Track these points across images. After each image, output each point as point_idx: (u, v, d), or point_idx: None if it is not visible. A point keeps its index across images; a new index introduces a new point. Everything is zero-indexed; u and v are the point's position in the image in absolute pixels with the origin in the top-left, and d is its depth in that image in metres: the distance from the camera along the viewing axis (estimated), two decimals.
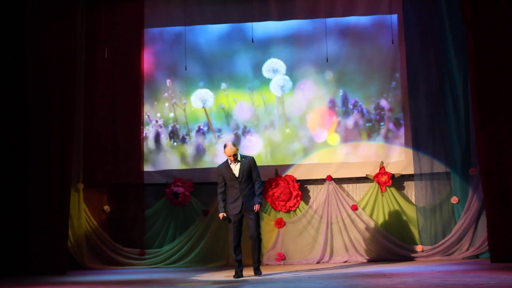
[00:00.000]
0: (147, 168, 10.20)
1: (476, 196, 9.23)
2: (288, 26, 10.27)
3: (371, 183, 9.81)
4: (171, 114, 10.31)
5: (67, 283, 7.46)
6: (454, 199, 9.48)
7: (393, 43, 9.83)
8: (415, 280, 6.33)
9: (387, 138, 9.94)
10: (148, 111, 10.34)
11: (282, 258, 9.66)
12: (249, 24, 10.11)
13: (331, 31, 10.09)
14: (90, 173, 9.88)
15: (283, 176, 9.90)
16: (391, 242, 9.48)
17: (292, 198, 9.81)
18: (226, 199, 7.65)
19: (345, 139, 10.00)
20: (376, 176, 9.72)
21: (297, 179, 9.88)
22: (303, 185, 9.95)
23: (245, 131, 10.15)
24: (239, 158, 7.60)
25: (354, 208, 9.70)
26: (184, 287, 6.61)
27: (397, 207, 9.64)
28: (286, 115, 10.14)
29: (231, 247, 7.89)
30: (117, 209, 9.99)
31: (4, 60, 9.23)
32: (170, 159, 10.26)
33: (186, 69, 10.11)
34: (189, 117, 10.30)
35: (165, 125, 10.31)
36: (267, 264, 9.48)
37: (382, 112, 9.99)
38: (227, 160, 7.65)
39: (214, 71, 10.29)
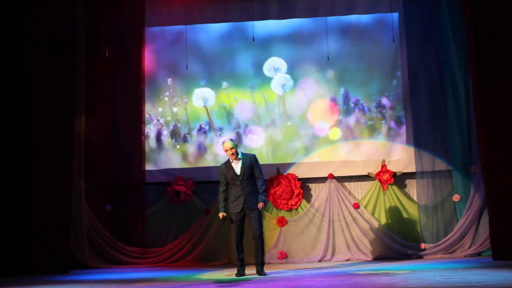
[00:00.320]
0: (148, 167, 10.20)
1: (478, 194, 9.22)
2: (289, 24, 10.27)
3: (373, 181, 9.81)
4: (173, 113, 10.31)
5: (68, 282, 7.46)
6: (456, 197, 9.47)
7: (394, 41, 9.84)
8: (417, 278, 6.32)
9: (388, 136, 9.94)
10: (150, 110, 10.35)
11: (284, 256, 9.66)
12: (250, 22, 10.12)
13: (332, 29, 10.09)
14: (92, 172, 9.87)
15: (285, 174, 9.91)
16: (393, 240, 9.47)
17: (294, 196, 9.81)
18: (227, 198, 7.61)
19: (347, 137, 10.00)
20: (378, 174, 9.72)
21: (298, 177, 9.89)
22: (304, 183, 9.96)
23: (247, 130, 10.15)
24: (240, 156, 7.58)
25: (356, 206, 9.70)
26: (186, 286, 6.60)
27: (399, 205, 9.64)
28: (287, 114, 10.14)
29: (233, 246, 7.87)
30: (118, 208, 9.99)
31: (4, 59, 9.22)
32: (172, 158, 10.26)
33: (187, 68, 10.12)
34: (190, 116, 10.31)
35: (167, 124, 10.32)
36: (269, 263, 9.47)
37: (384, 110, 10.00)
38: (229, 159, 7.63)
39: (215, 70, 10.30)
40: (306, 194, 9.94)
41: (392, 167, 9.75)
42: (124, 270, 9.15)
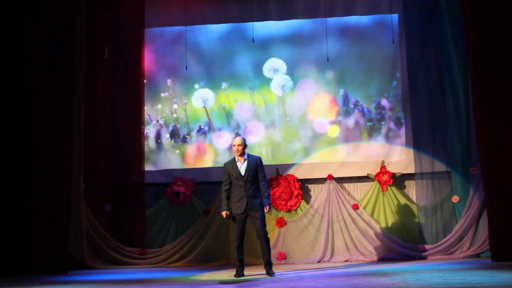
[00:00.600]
0: (148, 167, 10.20)
1: (477, 195, 9.22)
2: (288, 25, 10.27)
3: (372, 182, 9.81)
4: (172, 114, 10.32)
5: (68, 283, 7.46)
6: (455, 198, 9.47)
7: (393, 42, 9.84)
8: (416, 279, 6.33)
9: (388, 137, 9.95)
10: (149, 110, 10.35)
11: (283, 257, 9.66)
12: (249, 23, 10.12)
13: (332, 30, 10.09)
14: (91, 172, 9.86)
15: (284, 175, 9.91)
16: (392, 241, 9.47)
17: (293, 197, 9.81)
18: (230, 197, 7.60)
19: (346, 138, 10.00)
20: (377, 175, 9.73)
21: (298, 178, 9.89)
22: (304, 184, 9.96)
23: (246, 130, 10.15)
24: (246, 157, 7.59)
25: (355, 207, 9.70)
26: (185, 287, 6.60)
27: (398, 206, 9.64)
28: (286, 115, 10.14)
29: (233, 246, 7.87)
30: (118, 209, 9.98)
31: (4, 59, 9.22)
32: (171, 159, 10.27)
33: (186, 69, 10.12)
34: (189, 116, 10.31)
35: (166, 124, 10.32)
36: None
37: (383, 111, 10.00)
38: (234, 157, 7.64)
39: (215, 71, 10.30)
40: (305, 195, 9.94)
41: (391, 168, 9.75)
42: (123, 271, 9.15)
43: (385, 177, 9.67)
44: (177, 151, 10.26)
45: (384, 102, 10.01)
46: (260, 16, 10.23)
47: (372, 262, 9.16)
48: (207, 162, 10.21)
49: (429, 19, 9.87)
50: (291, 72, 10.15)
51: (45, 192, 8.94)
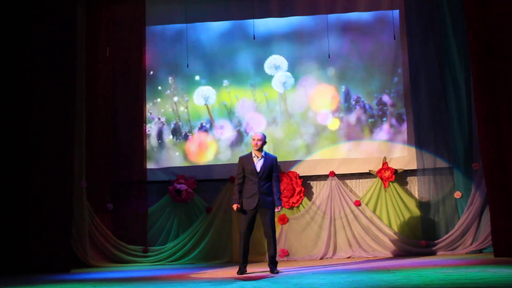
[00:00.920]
0: (150, 165, 10.21)
1: (479, 191, 9.21)
2: (289, 22, 10.26)
3: (374, 179, 9.80)
4: (174, 111, 10.32)
5: (70, 281, 7.47)
6: (457, 194, 9.47)
7: (394, 39, 9.82)
8: (419, 275, 6.33)
9: (389, 134, 9.94)
10: (151, 108, 10.35)
11: (285, 254, 9.66)
12: (250, 21, 10.11)
13: (333, 27, 10.08)
14: (93, 170, 9.87)
15: (286, 172, 9.90)
16: (395, 238, 9.47)
17: (295, 194, 9.81)
18: (242, 191, 7.59)
19: (348, 134, 10.00)
20: (379, 171, 9.72)
21: (300, 175, 9.89)
22: (306, 181, 9.95)
23: (248, 128, 10.14)
24: (263, 154, 7.59)
25: (357, 203, 9.70)
26: (188, 284, 6.61)
27: (400, 203, 9.63)
28: (288, 112, 10.13)
29: (238, 241, 7.83)
30: (120, 207, 9.99)
31: (5, 59, 9.23)
32: (173, 157, 10.27)
33: (188, 67, 10.10)
34: (191, 114, 10.31)
35: (168, 122, 10.32)
36: None
37: (385, 108, 9.99)
38: (251, 152, 7.64)
39: (216, 68, 10.29)
40: (307, 192, 9.94)
41: (393, 165, 9.75)
42: (126, 269, 9.16)
43: (387, 174, 9.66)
44: (179, 149, 10.26)
45: (386, 98, 9.99)
46: (261, 13, 10.21)
47: (375, 259, 9.16)
48: (209, 159, 10.21)
49: (430, 14, 9.85)
50: (292, 69, 10.14)
51: (46, 192, 8.96)
